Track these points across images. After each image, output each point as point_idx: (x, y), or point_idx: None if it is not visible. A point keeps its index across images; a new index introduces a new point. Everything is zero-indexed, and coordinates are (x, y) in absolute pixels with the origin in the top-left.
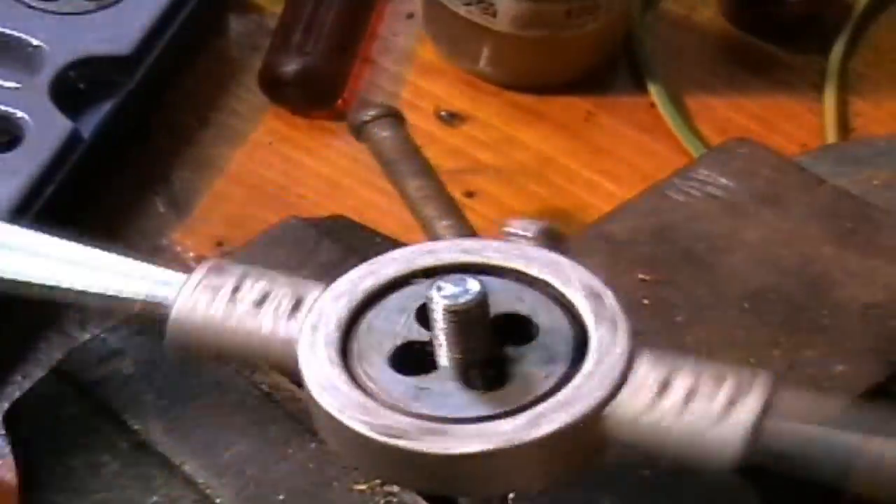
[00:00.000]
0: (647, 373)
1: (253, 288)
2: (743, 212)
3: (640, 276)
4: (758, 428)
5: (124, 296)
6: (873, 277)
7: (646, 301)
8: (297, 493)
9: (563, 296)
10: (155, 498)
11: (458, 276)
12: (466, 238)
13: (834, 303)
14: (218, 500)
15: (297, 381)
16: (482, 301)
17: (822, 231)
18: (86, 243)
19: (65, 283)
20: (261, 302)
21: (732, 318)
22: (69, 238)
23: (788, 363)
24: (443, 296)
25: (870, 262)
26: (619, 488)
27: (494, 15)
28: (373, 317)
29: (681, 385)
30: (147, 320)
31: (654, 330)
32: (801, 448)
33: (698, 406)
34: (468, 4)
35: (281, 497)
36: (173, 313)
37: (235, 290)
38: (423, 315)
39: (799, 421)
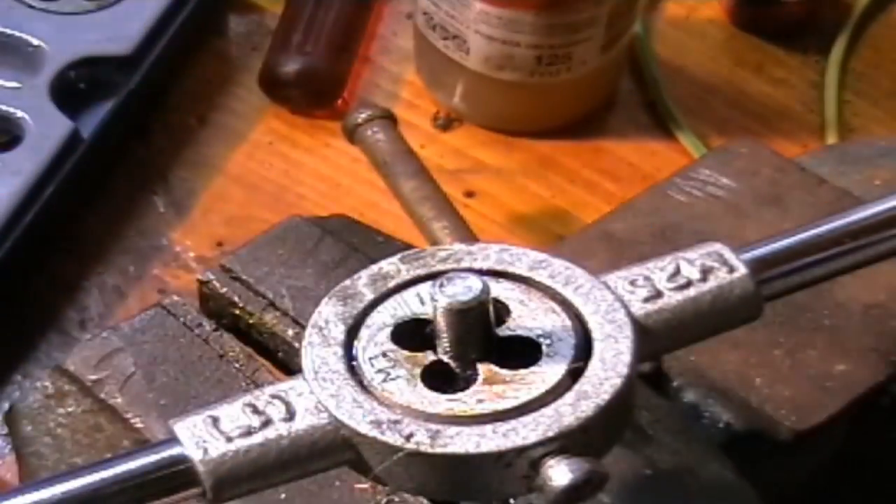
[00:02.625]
0: (630, 290)
1: (241, 416)
2: (744, 212)
3: None
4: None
5: (147, 487)
6: (874, 278)
7: None
8: (299, 491)
9: (556, 291)
10: None
11: (460, 275)
12: (444, 247)
13: (835, 303)
14: None
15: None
16: (484, 299)
17: None
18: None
19: None
20: (266, 422)
21: None
22: None
23: (790, 363)
24: (445, 294)
25: None
26: (620, 487)
27: (468, 52)
28: (374, 320)
29: (664, 280)
30: None
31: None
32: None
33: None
34: (445, 39)
35: (283, 495)
36: (203, 471)
37: (221, 422)
38: (418, 327)
39: None
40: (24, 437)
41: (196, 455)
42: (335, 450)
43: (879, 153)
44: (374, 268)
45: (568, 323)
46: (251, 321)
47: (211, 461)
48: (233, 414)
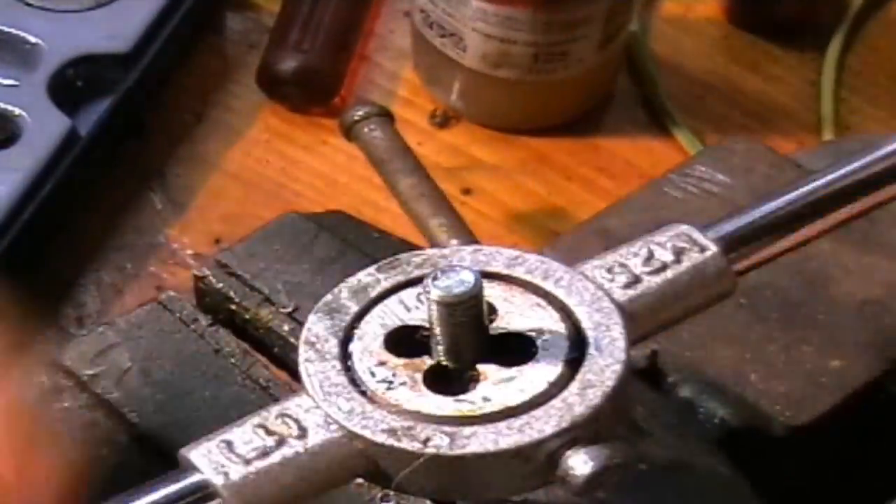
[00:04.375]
0: (608, 278)
1: (254, 438)
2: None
3: None
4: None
5: None
6: (870, 273)
7: None
8: None
9: (537, 286)
10: None
11: (452, 269)
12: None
13: (830, 299)
14: None
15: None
16: (477, 292)
17: None
18: None
19: None
20: (280, 442)
21: (729, 314)
22: None
23: (785, 358)
24: (437, 286)
25: (866, 259)
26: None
27: (465, 50)
28: (364, 331)
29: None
30: None
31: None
32: None
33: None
34: (442, 37)
35: None
36: (227, 495)
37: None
38: (409, 334)
39: None
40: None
41: (218, 480)
42: (352, 462)
43: None
44: (353, 280)
45: (556, 316)
46: (247, 316)
47: (234, 485)
48: (245, 436)
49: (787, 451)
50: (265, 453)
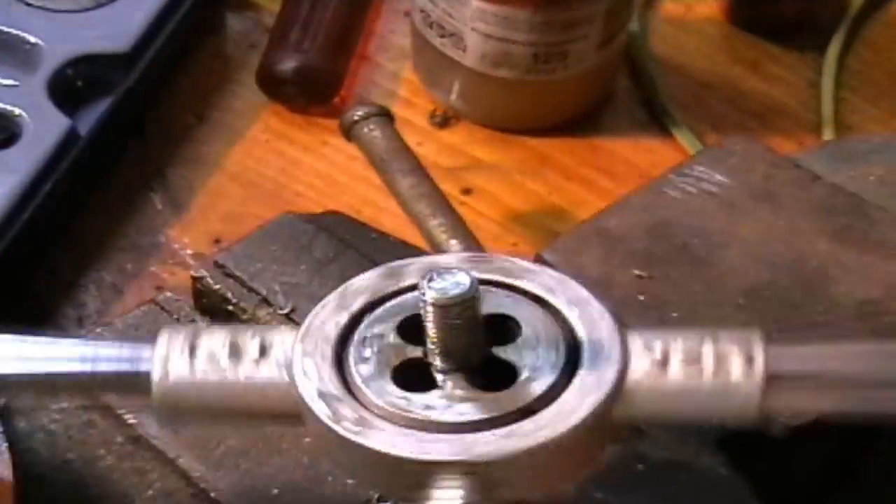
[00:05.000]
0: (642, 351)
1: (225, 344)
2: (739, 208)
3: (636, 272)
4: (771, 374)
5: (99, 376)
6: (868, 274)
7: (641, 297)
8: (292, 486)
9: (548, 302)
10: (150, 492)
11: (448, 271)
12: (434, 255)
13: (829, 299)
14: (213, 494)
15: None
16: (473, 294)
17: (817, 227)
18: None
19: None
20: (235, 353)
21: (728, 315)
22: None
23: None
24: (433, 288)
25: (865, 259)
26: (612, 483)
27: (465, 50)
28: (365, 328)
29: (679, 352)
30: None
31: (650, 326)
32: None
33: (706, 367)
34: (442, 37)
35: (275, 491)
36: (155, 386)
37: (199, 348)
38: (413, 325)
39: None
40: (19, 433)
41: (154, 369)
42: (282, 410)
43: (874, 149)
44: (426, 259)
45: (556, 327)
46: (245, 317)
47: (164, 380)
48: (212, 340)
49: (786, 452)
50: (214, 362)
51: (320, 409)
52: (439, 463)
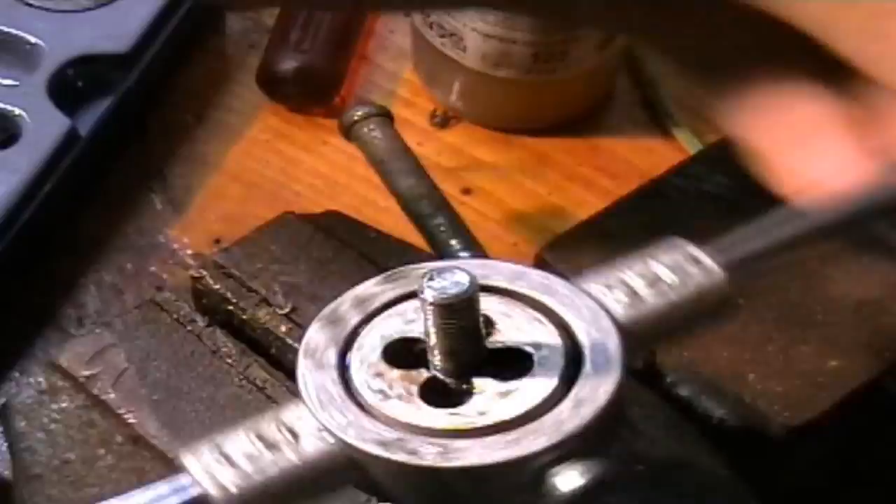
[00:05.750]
0: (608, 292)
1: (247, 445)
2: (737, 208)
3: None
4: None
5: None
6: (868, 274)
7: None
8: None
9: (538, 301)
10: None
11: (448, 270)
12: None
13: (828, 298)
14: None
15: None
16: (473, 293)
17: None
18: None
19: None
20: (273, 448)
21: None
22: None
23: (783, 358)
24: (432, 288)
25: (865, 259)
26: (612, 483)
27: (465, 50)
28: (364, 342)
29: (637, 279)
30: None
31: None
32: None
33: (668, 281)
34: (442, 37)
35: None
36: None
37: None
38: (408, 346)
39: None
40: (18, 433)
41: (211, 488)
42: (343, 471)
43: None
44: (358, 289)
45: (554, 331)
46: (244, 317)
47: (226, 493)
48: (239, 443)
49: (785, 451)
50: (258, 461)
51: (394, 455)
52: (451, 470)
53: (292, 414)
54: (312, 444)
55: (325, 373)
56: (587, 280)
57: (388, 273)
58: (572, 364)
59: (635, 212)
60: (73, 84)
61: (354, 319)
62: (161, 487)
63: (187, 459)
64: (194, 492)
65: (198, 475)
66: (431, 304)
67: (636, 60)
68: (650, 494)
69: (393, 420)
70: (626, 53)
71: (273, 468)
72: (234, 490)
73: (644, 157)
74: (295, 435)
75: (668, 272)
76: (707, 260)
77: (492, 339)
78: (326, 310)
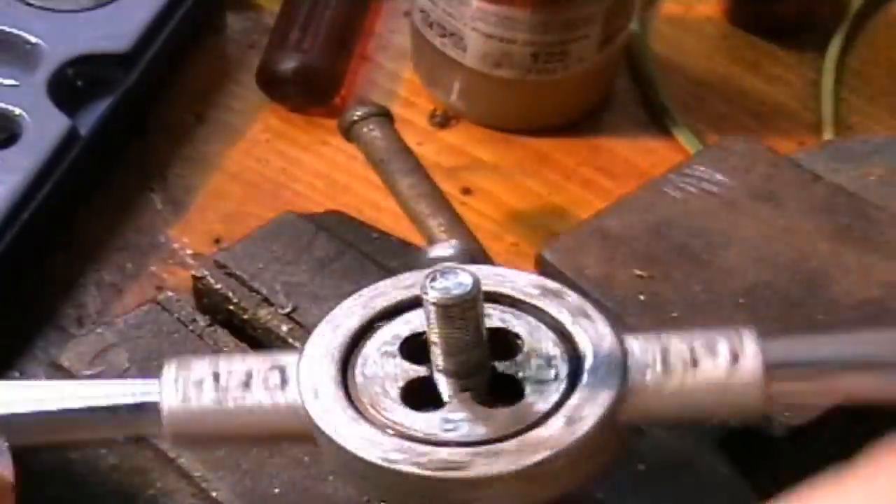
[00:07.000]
0: (643, 354)
1: (231, 372)
2: (739, 208)
3: (636, 272)
4: (769, 364)
5: (110, 410)
6: (869, 274)
7: (641, 297)
8: (292, 486)
9: (546, 313)
10: (151, 491)
11: (451, 271)
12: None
13: (829, 299)
14: (214, 494)
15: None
16: (475, 293)
17: (817, 227)
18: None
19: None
20: (247, 382)
21: (728, 314)
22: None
23: None
24: (435, 288)
25: (865, 259)
26: (614, 483)
27: (465, 50)
28: (369, 347)
29: (677, 353)
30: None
31: (650, 326)
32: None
33: (705, 366)
34: (443, 37)
35: (276, 490)
36: (165, 415)
37: (216, 377)
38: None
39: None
40: None
41: (165, 400)
42: (297, 436)
43: (874, 149)
44: (364, 291)
45: (559, 344)
46: (245, 317)
47: (177, 412)
48: (233, 368)
49: (787, 451)
50: (227, 392)
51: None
52: (449, 480)
53: (291, 361)
54: (291, 396)
55: (336, 335)
56: (632, 342)
57: (393, 279)
58: (573, 375)
59: (635, 212)
60: (73, 84)
61: (358, 321)
62: (135, 384)
63: (168, 365)
64: (148, 398)
65: (166, 386)
66: (434, 304)
67: (636, 60)
68: (651, 494)
69: (389, 424)
70: (626, 53)
71: (231, 405)
72: (184, 413)
73: (644, 158)
74: (284, 378)
75: (708, 359)
76: (754, 357)
77: (503, 357)
78: (367, 289)
